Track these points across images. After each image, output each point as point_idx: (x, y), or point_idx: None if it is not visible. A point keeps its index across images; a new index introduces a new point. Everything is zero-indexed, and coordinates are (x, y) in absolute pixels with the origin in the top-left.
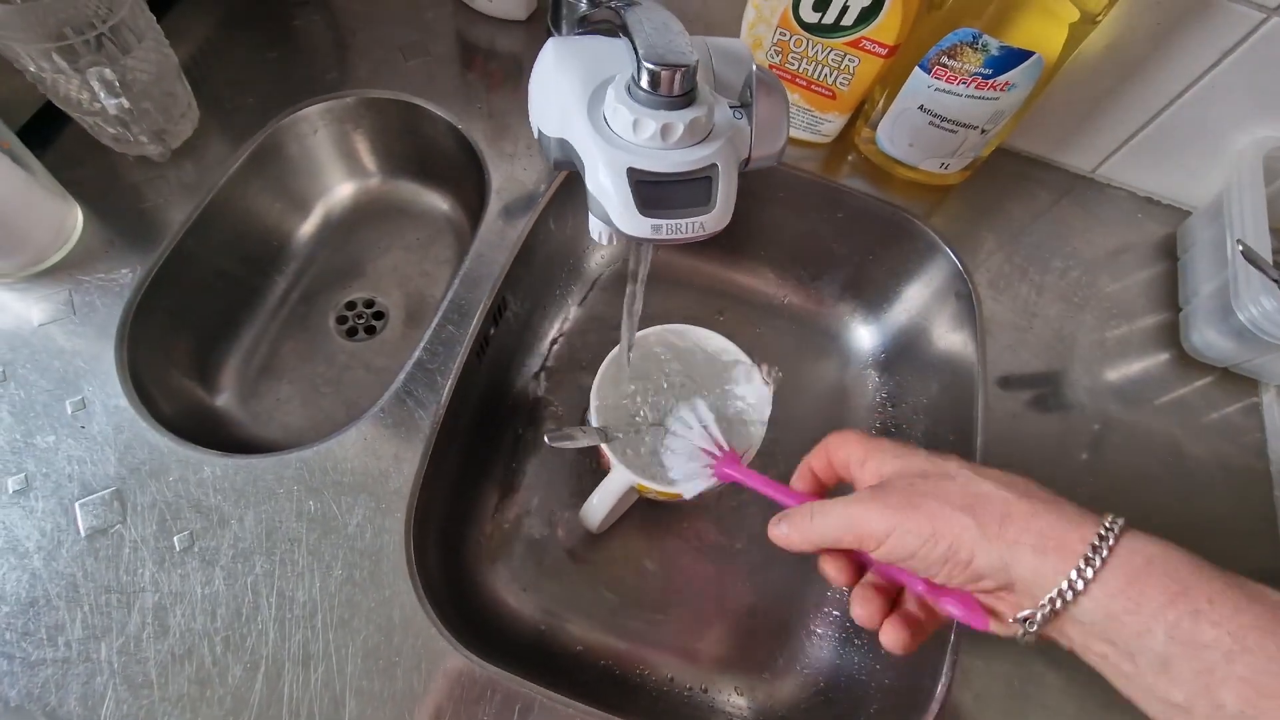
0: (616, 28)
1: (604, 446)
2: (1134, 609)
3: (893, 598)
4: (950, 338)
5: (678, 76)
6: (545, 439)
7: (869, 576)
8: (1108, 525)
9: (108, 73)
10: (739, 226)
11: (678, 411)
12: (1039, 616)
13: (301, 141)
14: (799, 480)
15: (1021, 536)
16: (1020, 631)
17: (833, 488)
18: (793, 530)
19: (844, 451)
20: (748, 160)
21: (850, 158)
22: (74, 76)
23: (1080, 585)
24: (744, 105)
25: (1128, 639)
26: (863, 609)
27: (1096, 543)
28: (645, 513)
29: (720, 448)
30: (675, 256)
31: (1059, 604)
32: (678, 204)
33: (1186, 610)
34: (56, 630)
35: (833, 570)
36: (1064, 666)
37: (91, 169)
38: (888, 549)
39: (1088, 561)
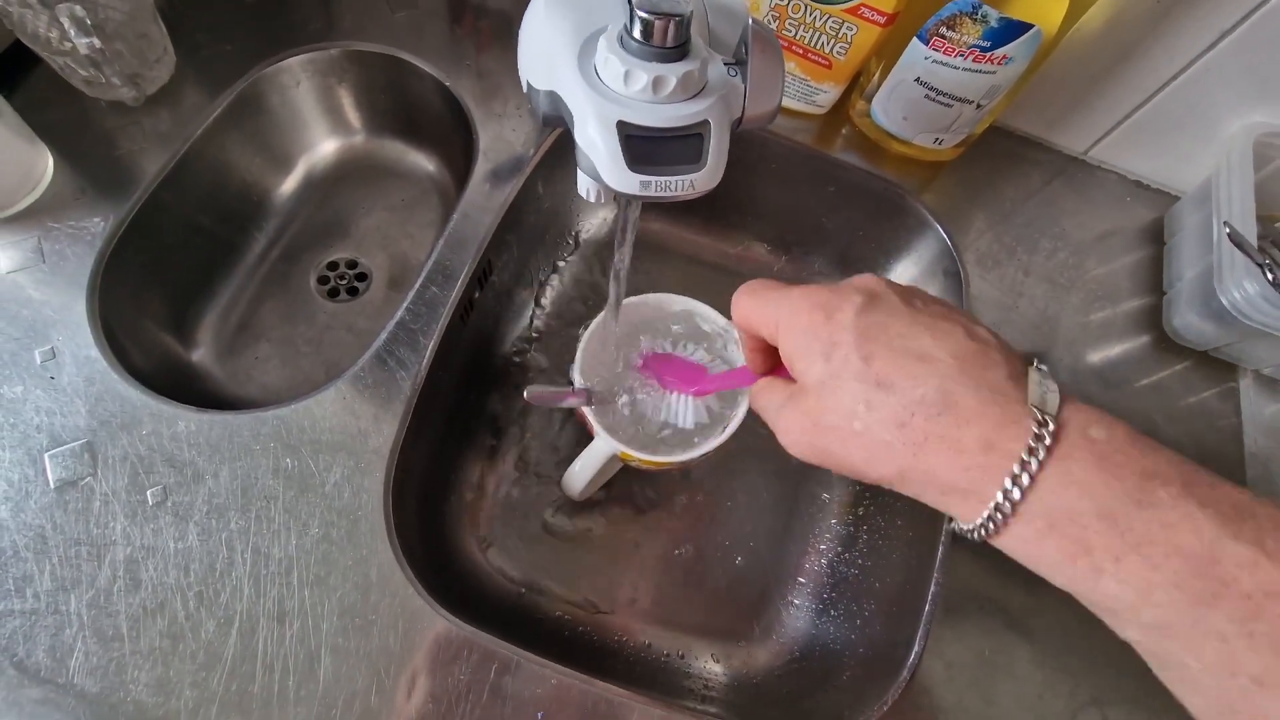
0: None
1: (587, 413)
2: (1037, 558)
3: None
4: None
5: (671, 26)
6: (525, 394)
7: None
8: (1005, 487)
9: (78, 9)
10: (729, 197)
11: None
12: (974, 536)
13: (283, 94)
14: (751, 360)
15: (923, 493)
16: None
17: None
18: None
19: (756, 318)
20: (740, 120)
21: (844, 131)
22: (42, 12)
23: (986, 534)
24: (739, 63)
25: (1041, 574)
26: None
27: (985, 516)
28: (628, 481)
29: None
30: (664, 225)
31: (980, 536)
32: (668, 160)
33: (1087, 568)
34: (24, 581)
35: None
36: (1035, 637)
37: (62, 113)
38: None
39: (983, 529)
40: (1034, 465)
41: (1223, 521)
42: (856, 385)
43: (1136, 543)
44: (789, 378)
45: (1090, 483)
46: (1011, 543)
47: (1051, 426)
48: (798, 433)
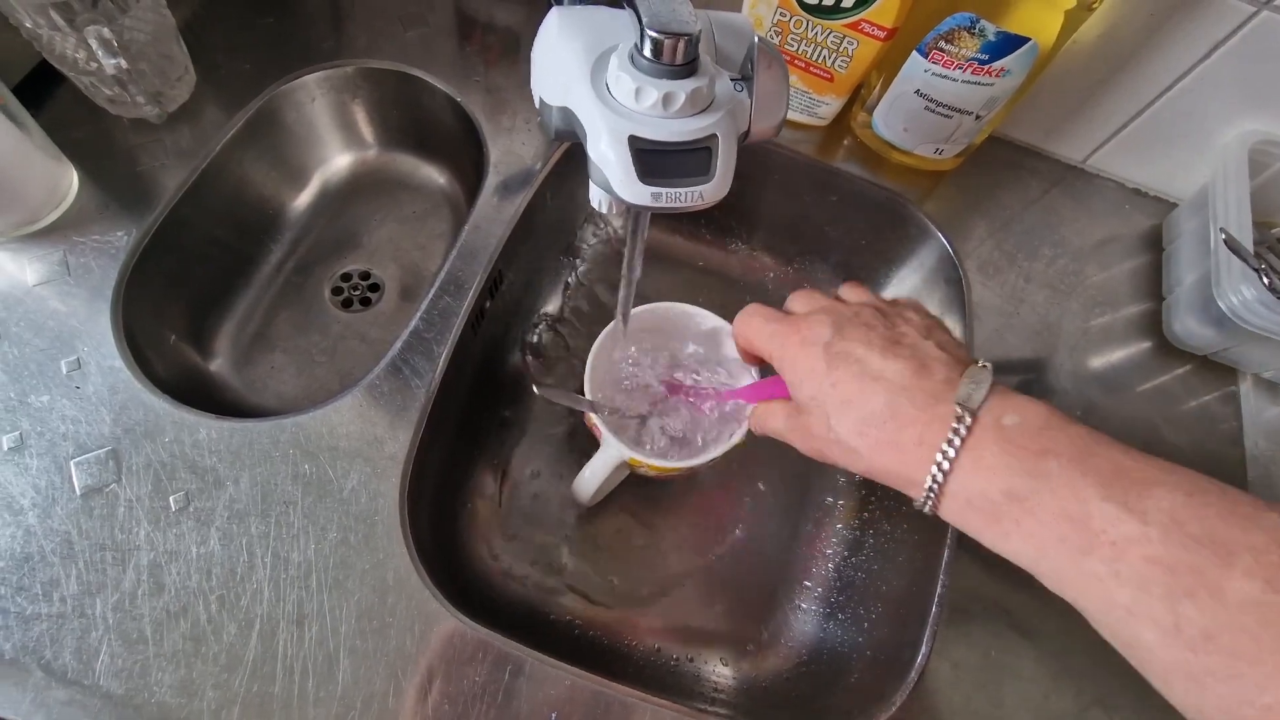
0: None
1: (596, 420)
2: (965, 524)
3: None
4: None
5: (680, 45)
6: (534, 389)
7: None
8: (932, 474)
9: (105, 31)
10: (733, 207)
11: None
12: (924, 509)
13: (299, 110)
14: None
15: (887, 480)
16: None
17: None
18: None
19: (756, 347)
20: (747, 133)
21: (846, 141)
22: (70, 34)
23: (928, 508)
24: (745, 78)
25: (972, 533)
26: None
27: (920, 496)
28: (636, 487)
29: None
30: (669, 236)
31: (926, 509)
32: (678, 173)
33: (999, 533)
34: (51, 586)
35: None
36: (1040, 639)
37: (86, 131)
38: None
39: (923, 504)
40: (951, 453)
41: (1100, 484)
42: (829, 405)
43: (1031, 509)
44: (784, 396)
45: (996, 465)
46: (947, 515)
47: (968, 420)
48: (802, 444)
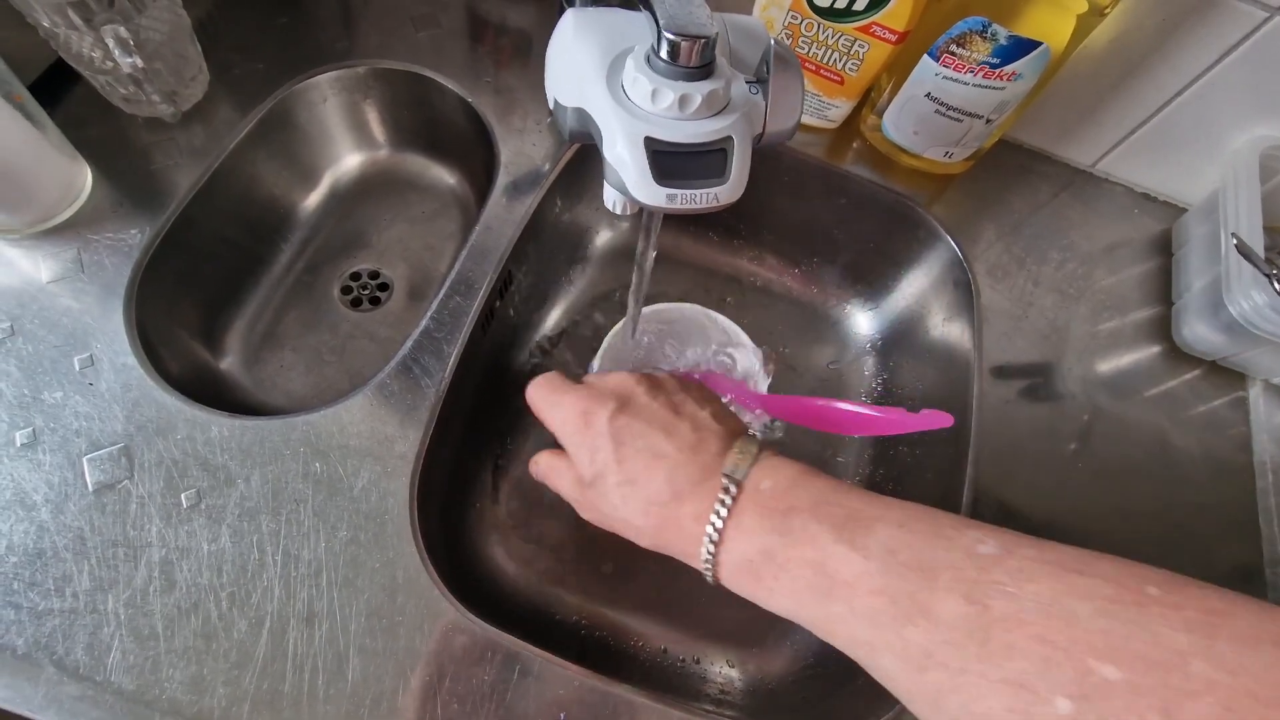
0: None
1: None
2: (739, 586)
3: None
4: (947, 325)
5: (697, 48)
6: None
7: None
8: (707, 542)
9: (122, 30)
10: (742, 209)
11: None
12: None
13: (311, 110)
14: None
15: (673, 554)
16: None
17: None
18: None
19: (543, 418)
20: (761, 135)
21: (855, 144)
22: (87, 34)
23: (711, 580)
24: (760, 81)
25: (750, 599)
26: None
27: (699, 565)
28: None
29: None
30: (678, 238)
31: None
32: (693, 175)
33: (763, 591)
34: (64, 581)
35: None
36: None
37: (100, 129)
38: None
39: (704, 575)
40: (719, 524)
41: (833, 528)
42: (614, 482)
43: (783, 563)
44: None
45: (753, 527)
46: (727, 583)
47: (734, 490)
48: (587, 515)
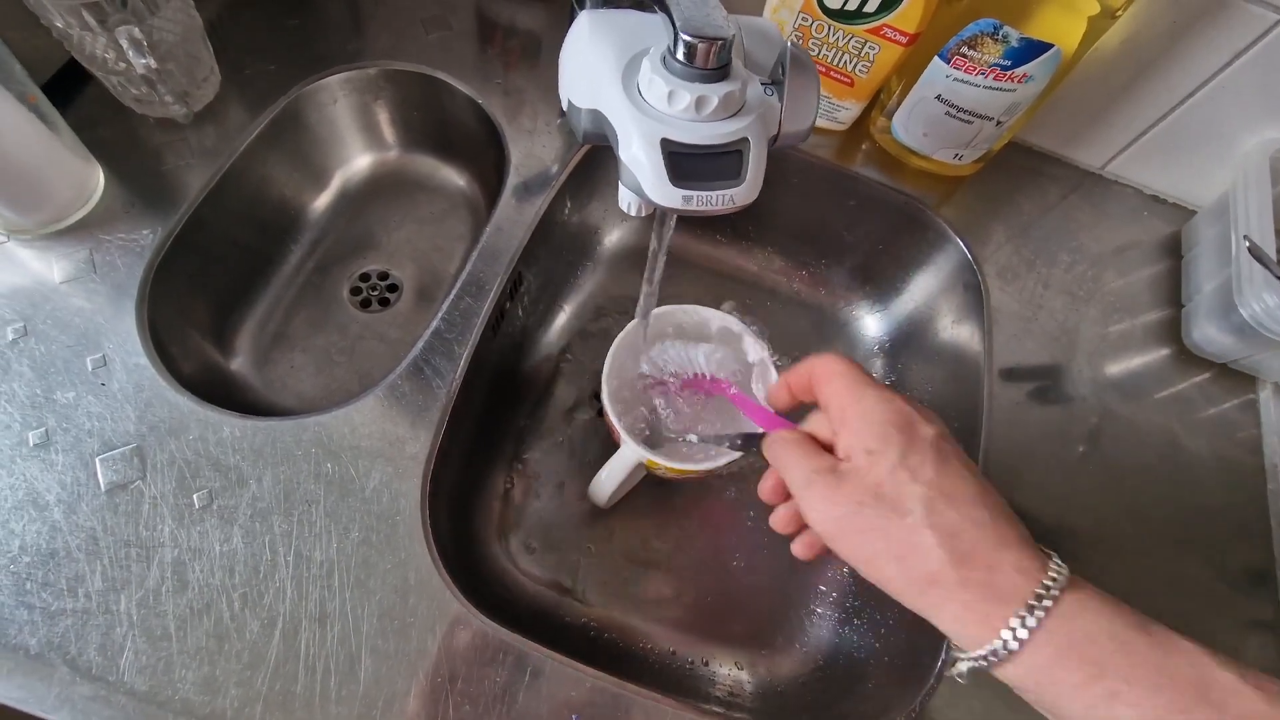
0: (651, 1)
1: (614, 421)
2: (1050, 685)
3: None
4: (957, 327)
5: (714, 49)
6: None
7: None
8: (1035, 599)
9: (136, 31)
10: (751, 211)
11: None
12: (963, 670)
13: (321, 111)
14: (776, 394)
15: (944, 604)
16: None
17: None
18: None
19: (827, 389)
20: (776, 137)
21: (864, 146)
22: (101, 34)
23: (996, 659)
24: (775, 83)
25: (1047, 704)
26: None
27: (1017, 624)
28: (653, 490)
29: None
30: (687, 240)
31: (980, 665)
32: (709, 176)
33: (1103, 693)
34: (76, 581)
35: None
36: None
37: (112, 130)
38: (826, 544)
39: (1005, 645)
40: (1056, 591)
41: (1208, 650)
42: (923, 490)
43: (1142, 665)
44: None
45: (1101, 610)
46: (1022, 670)
47: (1064, 566)
48: (831, 508)
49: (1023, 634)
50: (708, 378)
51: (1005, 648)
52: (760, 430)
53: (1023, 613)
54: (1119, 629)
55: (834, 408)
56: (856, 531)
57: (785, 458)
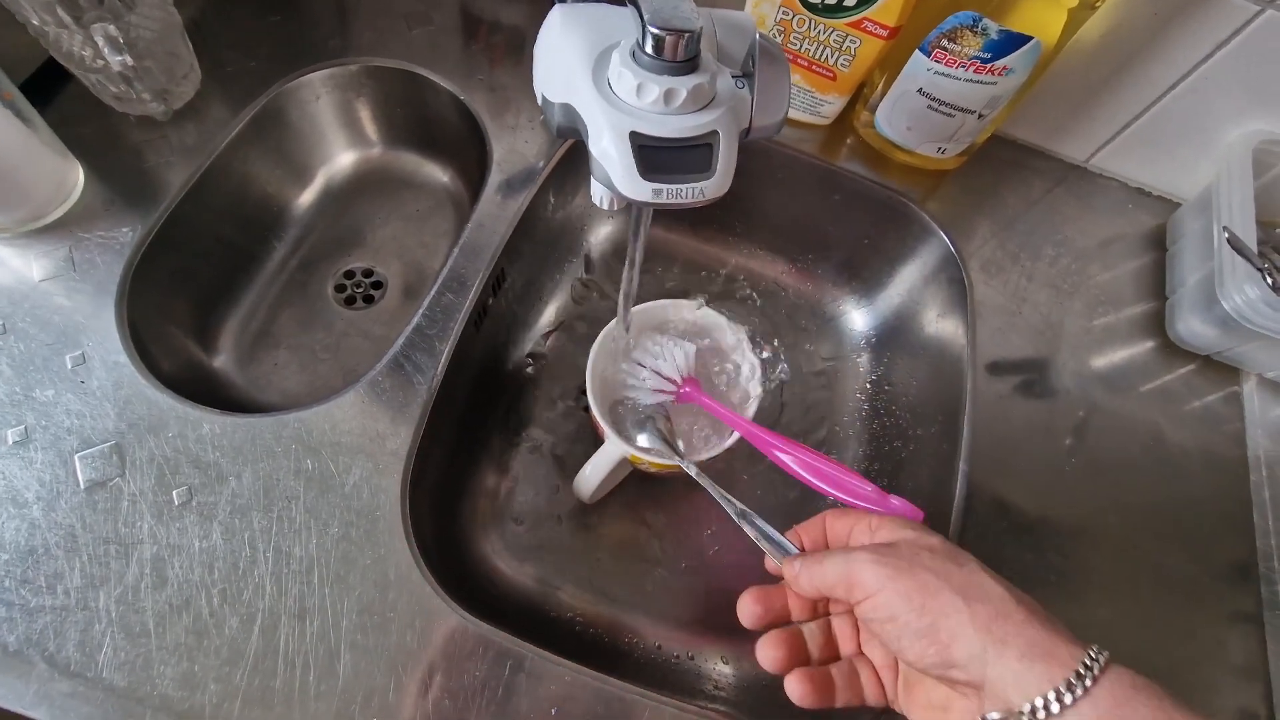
0: None
1: (598, 417)
2: None
3: (804, 652)
4: (941, 322)
5: (682, 42)
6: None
7: (796, 626)
8: (1094, 654)
9: (112, 29)
10: (735, 205)
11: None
12: None
13: (303, 108)
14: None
15: (1011, 638)
16: None
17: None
18: (803, 571)
19: (847, 519)
20: (748, 129)
21: (848, 141)
22: (77, 32)
23: (1068, 700)
24: (746, 75)
25: None
26: (773, 651)
27: (1088, 662)
28: (638, 485)
29: (681, 377)
30: (671, 235)
31: (1040, 714)
32: (679, 169)
33: None
34: (55, 578)
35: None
36: None
37: (92, 128)
38: (872, 604)
39: (1078, 678)
40: (1101, 660)
41: None
42: (987, 578)
43: None
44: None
45: (1133, 699)
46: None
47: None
48: (886, 559)
49: (1094, 671)
50: (682, 384)
51: (1078, 684)
52: (778, 536)
53: (1089, 655)
54: (1162, 699)
55: (862, 526)
56: (913, 575)
57: (826, 560)
